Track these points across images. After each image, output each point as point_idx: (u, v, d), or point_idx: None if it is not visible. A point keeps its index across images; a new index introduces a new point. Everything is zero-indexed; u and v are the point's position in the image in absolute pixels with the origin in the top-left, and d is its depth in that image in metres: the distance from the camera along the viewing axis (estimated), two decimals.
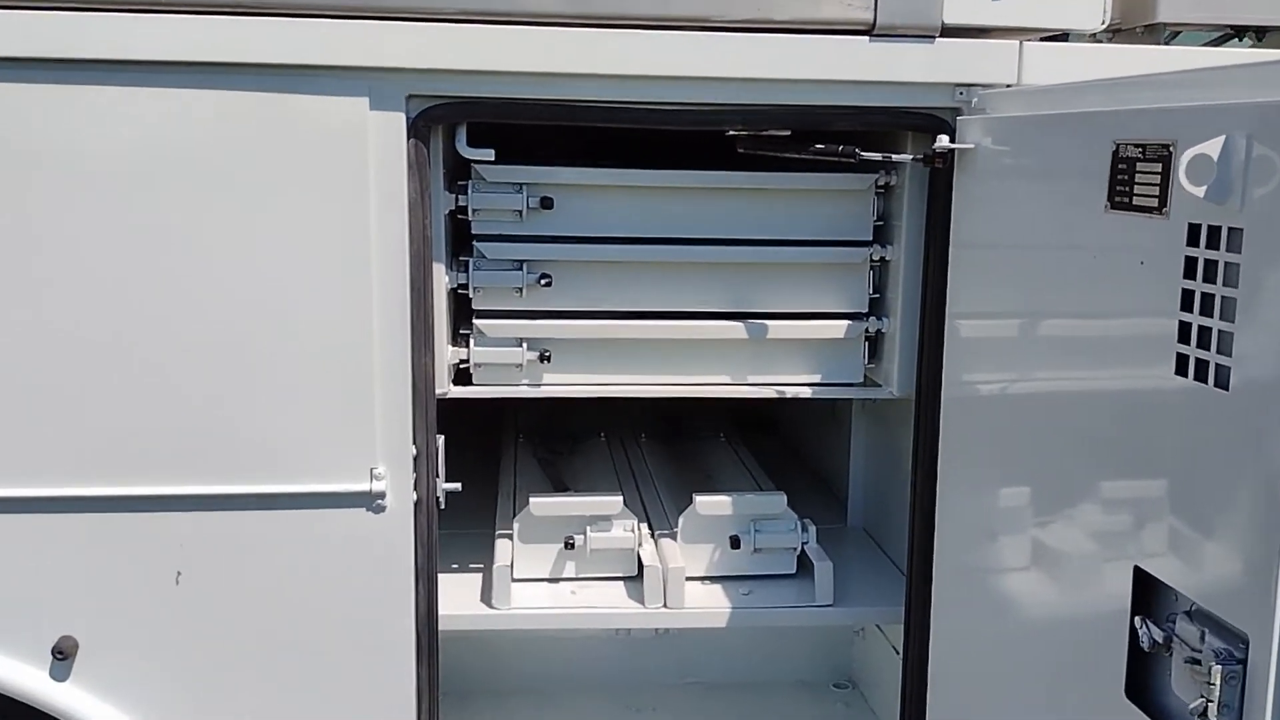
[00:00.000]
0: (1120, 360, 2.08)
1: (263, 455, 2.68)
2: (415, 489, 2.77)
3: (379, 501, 2.73)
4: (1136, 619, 1.99)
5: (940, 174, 2.74)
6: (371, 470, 2.71)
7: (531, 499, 3.19)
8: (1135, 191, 1.98)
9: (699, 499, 3.26)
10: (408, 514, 2.77)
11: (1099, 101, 2.18)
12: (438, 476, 2.82)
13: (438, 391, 2.83)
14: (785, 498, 3.30)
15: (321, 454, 2.69)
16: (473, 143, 2.85)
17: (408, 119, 2.62)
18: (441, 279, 2.86)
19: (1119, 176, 2.03)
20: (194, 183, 2.56)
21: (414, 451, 2.75)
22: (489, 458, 4.01)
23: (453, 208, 2.93)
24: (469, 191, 2.93)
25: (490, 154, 2.85)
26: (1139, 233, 1.98)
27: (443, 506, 2.86)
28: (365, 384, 2.68)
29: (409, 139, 2.62)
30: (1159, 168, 1.92)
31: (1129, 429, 2.04)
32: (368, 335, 2.66)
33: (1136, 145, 1.98)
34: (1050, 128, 2.32)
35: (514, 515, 3.29)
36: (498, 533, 3.33)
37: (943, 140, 2.66)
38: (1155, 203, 1.93)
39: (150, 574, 2.71)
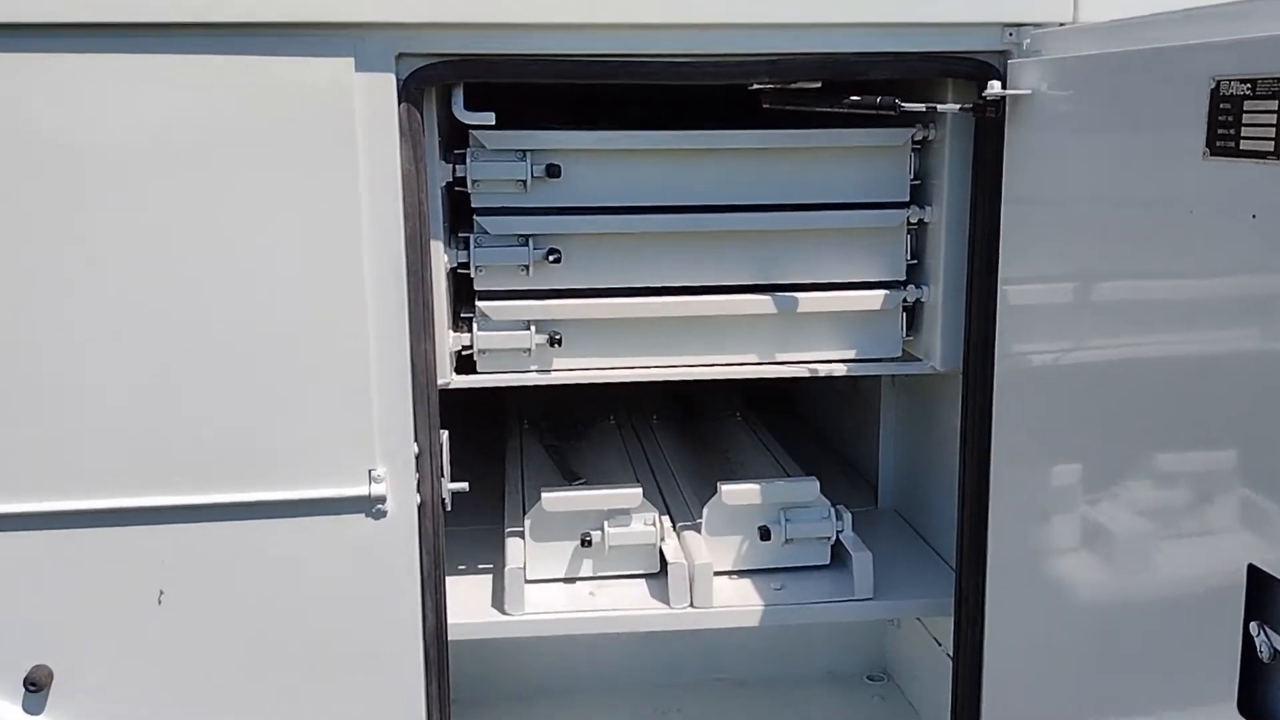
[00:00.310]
0: (1225, 325, 1.84)
1: (249, 460, 2.47)
2: (418, 491, 2.57)
3: (379, 506, 2.53)
4: (1252, 625, 1.75)
5: (987, 125, 2.52)
6: (370, 472, 2.51)
7: (543, 494, 2.99)
8: (1243, 134, 1.73)
9: (724, 488, 3.05)
10: (411, 518, 2.57)
11: (1187, 34, 1.93)
12: (442, 476, 2.62)
13: (439, 382, 2.63)
14: (818, 484, 3.10)
15: (314, 456, 2.48)
16: (470, 106, 2.61)
17: (398, 81, 2.40)
18: (440, 258, 2.65)
19: (1220, 118, 1.78)
20: (160, 160, 2.33)
21: (416, 450, 2.55)
22: (492, 447, 3.82)
23: (450, 179, 2.69)
24: (467, 160, 2.69)
25: (490, 118, 2.62)
26: (1249, 181, 1.72)
27: (448, 509, 2.66)
28: (360, 377, 2.47)
29: (400, 103, 2.40)
30: (1274, 105, 1.66)
31: (1237, 403, 1.80)
32: (361, 323, 2.45)
33: (1243, 80, 1.73)
34: (1125, 67, 2.07)
35: (524, 510, 3.08)
36: (507, 530, 3.12)
37: (994, 87, 2.42)
38: (1270, 146, 1.68)
39: (130, 594, 2.50)
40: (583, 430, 3.94)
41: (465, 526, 3.22)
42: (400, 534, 2.56)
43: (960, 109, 2.56)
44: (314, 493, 2.49)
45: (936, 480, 3.25)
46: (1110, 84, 2.13)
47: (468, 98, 2.61)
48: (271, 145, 2.35)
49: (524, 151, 2.72)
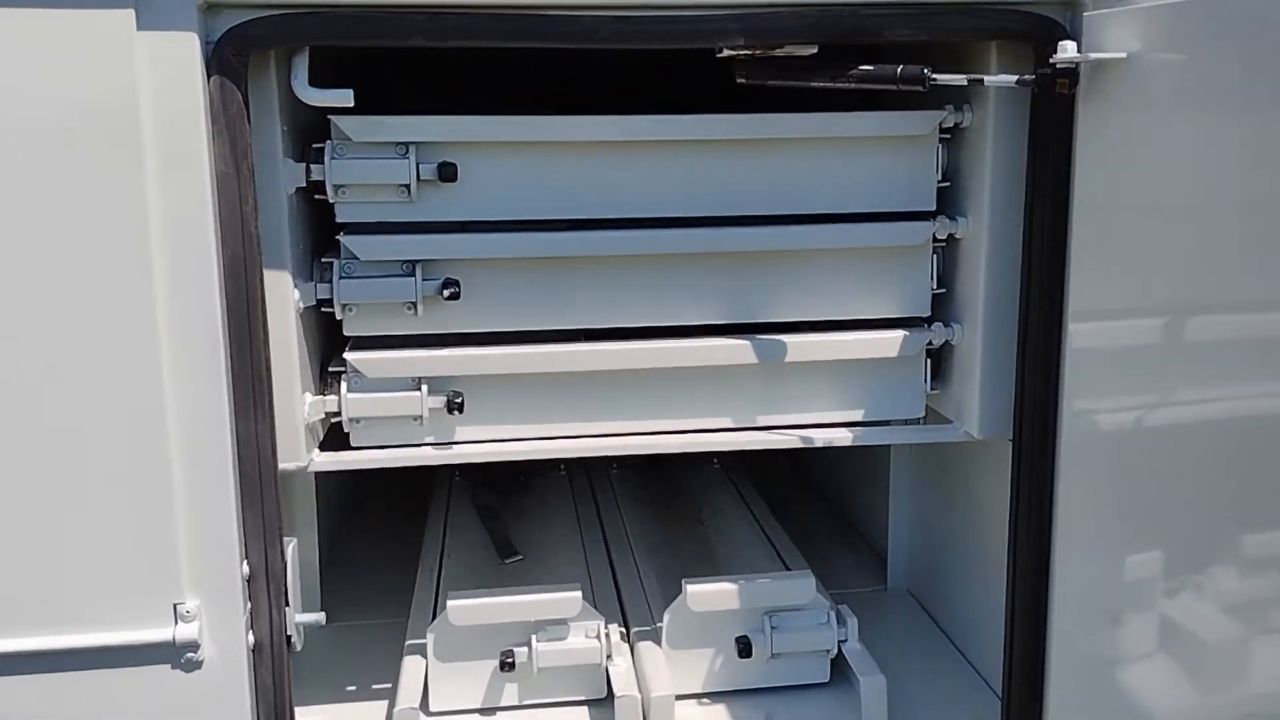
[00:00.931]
0: None
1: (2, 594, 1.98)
2: (251, 629, 2.08)
3: (189, 655, 2.03)
4: None
5: (1053, 104, 2.06)
6: (176, 607, 2.02)
7: (450, 602, 2.39)
8: None
9: (691, 589, 2.46)
10: (239, 668, 2.07)
11: None
12: (287, 605, 2.12)
13: (285, 466, 2.15)
14: (814, 581, 2.51)
15: (95, 587, 1.99)
16: (320, 81, 2.10)
17: (205, 44, 1.93)
18: (288, 294, 2.17)
19: None
20: None
21: (245, 571, 2.07)
22: (413, 505, 3.36)
23: (304, 184, 2.22)
24: (326, 158, 2.21)
25: (347, 96, 2.08)
26: None
27: (297, 648, 2.14)
28: (157, 471, 1.97)
29: (209, 76, 1.93)
30: None
31: None
32: (155, 392, 1.94)
33: None
34: None
35: (435, 609, 2.58)
36: (408, 642, 2.53)
37: (1067, 50, 1.93)
38: None
39: None
40: (527, 483, 3.50)
41: (367, 621, 2.78)
42: (224, 690, 2.06)
43: (1018, 81, 2.05)
44: (97, 638, 1.99)
45: (966, 561, 2.78)
46: (1258, 38, 1.61)
47: (321, 71, 2.08)
48: (20, 140, 1.85)
49: (406, 145, 2.23)
